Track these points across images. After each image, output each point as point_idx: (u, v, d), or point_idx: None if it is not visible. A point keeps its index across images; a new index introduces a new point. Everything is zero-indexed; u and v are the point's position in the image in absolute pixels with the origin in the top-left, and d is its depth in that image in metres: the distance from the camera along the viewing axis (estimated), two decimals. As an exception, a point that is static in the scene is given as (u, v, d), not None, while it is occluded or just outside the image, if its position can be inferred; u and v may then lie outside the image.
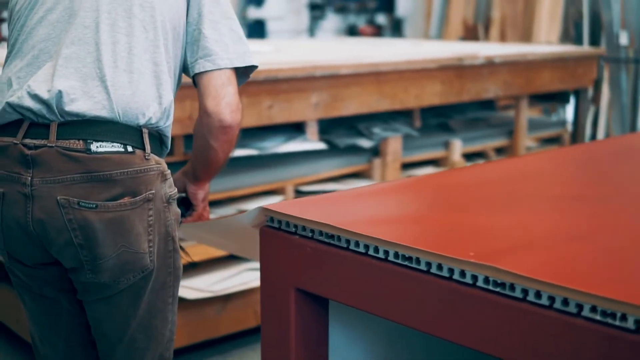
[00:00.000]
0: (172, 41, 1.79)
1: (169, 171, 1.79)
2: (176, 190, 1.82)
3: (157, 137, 1.79)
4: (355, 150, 3.57)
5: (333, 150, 3.50)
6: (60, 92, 1.66)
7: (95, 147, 1.66)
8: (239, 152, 3.07)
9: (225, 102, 1.79)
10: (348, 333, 1.56)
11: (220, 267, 3.08)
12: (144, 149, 1.72)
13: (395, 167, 3.64)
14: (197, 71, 1.81)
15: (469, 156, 4.12)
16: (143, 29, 1.74)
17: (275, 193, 3.26)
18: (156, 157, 1.75)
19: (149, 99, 1.72)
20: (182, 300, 2.90)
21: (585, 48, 5.62)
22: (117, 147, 1.68)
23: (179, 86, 1.90)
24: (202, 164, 1.92)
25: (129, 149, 1.70)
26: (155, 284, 1.78)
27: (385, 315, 1.30)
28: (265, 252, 1.48)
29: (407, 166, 3.81)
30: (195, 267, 3.02)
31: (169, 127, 1.80)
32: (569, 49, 5.03)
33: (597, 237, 1.33)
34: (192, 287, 2.93)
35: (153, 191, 1.72)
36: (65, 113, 1.67)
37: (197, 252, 2.92)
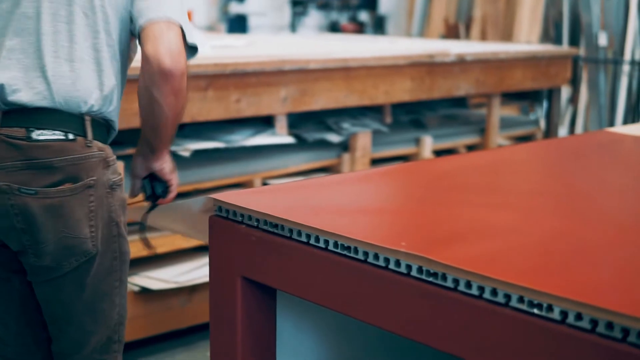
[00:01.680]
0: (114, 24, 1.79)
1: (113, 157, 1.82)
2: (121, 176, 1.84)
3: (103, 123, 1.81)
4: (324, 145, 3.58)
5: (302, 144, 3.51)
6: (2, 84, 1.71)
7: (36, 135, 1.72)
8: (206, 145, 3.07)
9: (164, 45, 1.73)
10: (296, 322, 1.57)
11: (186, 259, 3.09)
12: (85, 136, 1.76)
13: (365, 163, 3.65)
14: (138, 30, 1.77)
15: (439, 153, 4.12)
16: (83, 15, 1.76)
17: (242, 186, 3.25)
18: (99, 144, 1.78)
19: (91, 87, 1.76)
20: (147, 291, 2.91)
21: (560, 48, 5.65)
22: (58, 135, 1.73)
23: (127, 69, 1.90)
24: (151, 127, 1.84)
25: (70, 136, 1.74)
26: (100, 268, 1.82)
27: (327, 304, 1.32)
28: (213, 241, 1.50)
29: (376, 162, 3.81)
30: (160, 259, 3.03)
31: (113, 112, 1.81)
32: (542, 48, 5.06)
33: (531, 230, 1.34)
34: (156, 278, 2.93)
35: (94, 177, 1.76)
36: (8, 103, 1.72)
37: (162, 243, 2.93)
